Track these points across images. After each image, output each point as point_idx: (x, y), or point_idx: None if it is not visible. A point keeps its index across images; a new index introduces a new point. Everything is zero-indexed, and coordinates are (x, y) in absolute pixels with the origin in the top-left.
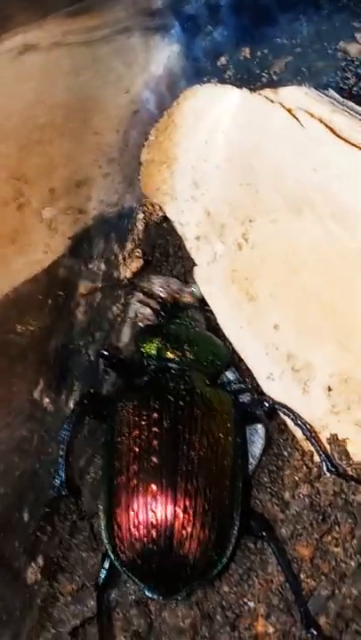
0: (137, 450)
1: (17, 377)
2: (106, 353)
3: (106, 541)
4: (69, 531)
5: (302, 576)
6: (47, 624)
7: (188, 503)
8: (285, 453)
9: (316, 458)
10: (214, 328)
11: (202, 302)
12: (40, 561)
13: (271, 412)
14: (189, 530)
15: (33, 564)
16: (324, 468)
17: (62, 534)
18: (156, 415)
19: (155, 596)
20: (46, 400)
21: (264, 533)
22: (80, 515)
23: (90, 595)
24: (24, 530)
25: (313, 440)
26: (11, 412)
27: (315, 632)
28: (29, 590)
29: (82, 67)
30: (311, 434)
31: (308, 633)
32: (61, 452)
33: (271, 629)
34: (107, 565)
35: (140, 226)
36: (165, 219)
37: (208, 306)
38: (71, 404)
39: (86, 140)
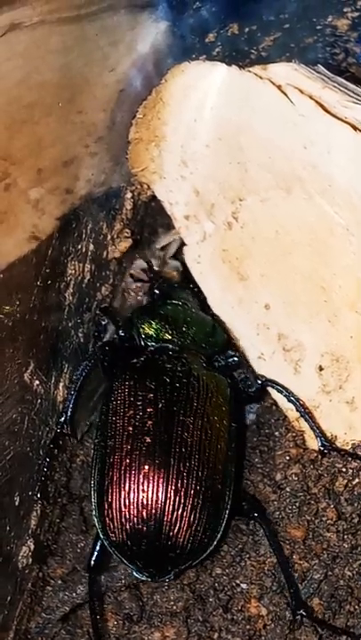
0: (131, 429)
1: (7, 359)
2: (122, 334)
3: (96, 520)
4: (59, 514)
5: (295, 557)
6: (37, 608)
7: (179, 485)
8: (277, 434)
9: (308, 438)
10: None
11: (188, 282)
12: (31, 545)
13: (263, 390)
14: (180, 512)
15: (24, 548)
16: (319, 443)
17: (52, 517)
18: (151, 395)
19: (143, 578)
20: (36, 382)
21: (256, 514)
22: (70, 497)
23: (80, 578)
24: (15, 513)
25: (307, 416)
26: (1, 394)
27: (304, 613)
28: (20, 575)
29: (67, 45)
30: (305, 410)
31: (297, 614)
32: (72, 392)
33: (264, 611)
34: (98, 547)
35: (128, 205)
36: (154, 198)
37: (195, 286)
38: (61, 387)
39: (73, 119)
